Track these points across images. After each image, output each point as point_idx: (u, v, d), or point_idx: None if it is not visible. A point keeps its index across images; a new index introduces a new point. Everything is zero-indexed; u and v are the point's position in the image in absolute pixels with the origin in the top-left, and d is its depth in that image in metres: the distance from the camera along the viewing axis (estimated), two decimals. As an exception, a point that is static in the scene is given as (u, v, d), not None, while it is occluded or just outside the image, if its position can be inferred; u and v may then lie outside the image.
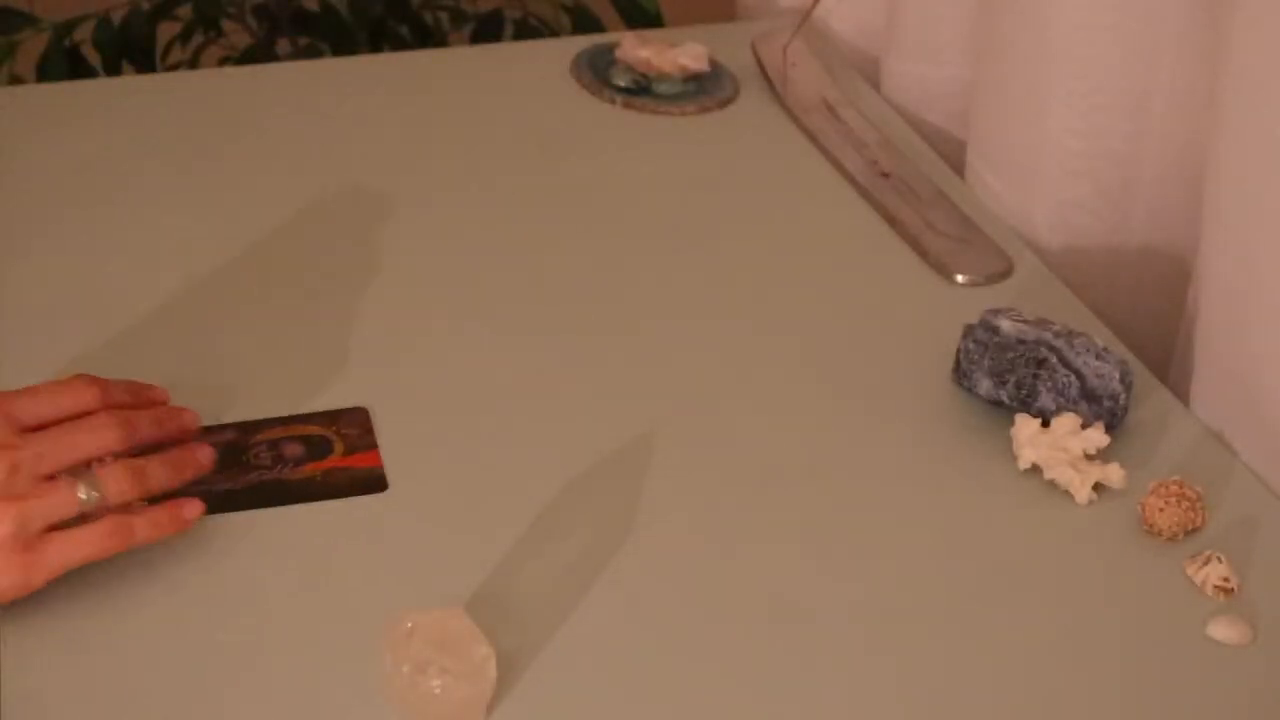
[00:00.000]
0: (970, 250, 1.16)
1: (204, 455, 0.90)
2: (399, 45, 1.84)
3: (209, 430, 0.94)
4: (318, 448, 0.95)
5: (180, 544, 0.88)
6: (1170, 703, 0.83)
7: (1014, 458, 0.96)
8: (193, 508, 0.87)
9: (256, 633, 0.85)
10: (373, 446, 0.96)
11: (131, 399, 0.90)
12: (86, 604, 0.85)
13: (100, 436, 0.85)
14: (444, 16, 1.89)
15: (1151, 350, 1.13)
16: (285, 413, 0.97)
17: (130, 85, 1.53)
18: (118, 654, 0.83)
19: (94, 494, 0.83)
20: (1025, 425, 0.95)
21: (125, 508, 0.85)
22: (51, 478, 0.83)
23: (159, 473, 0.86)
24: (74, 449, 0.84)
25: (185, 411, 0.92)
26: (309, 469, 0.94)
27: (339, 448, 0.95)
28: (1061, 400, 0.97)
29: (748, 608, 0.87)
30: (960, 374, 1.01)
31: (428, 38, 1.87)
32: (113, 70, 1.74)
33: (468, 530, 0.91)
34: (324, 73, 1.47)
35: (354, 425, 0.97)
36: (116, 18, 1.75)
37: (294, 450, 0.95)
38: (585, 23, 1.81)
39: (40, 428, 0.85)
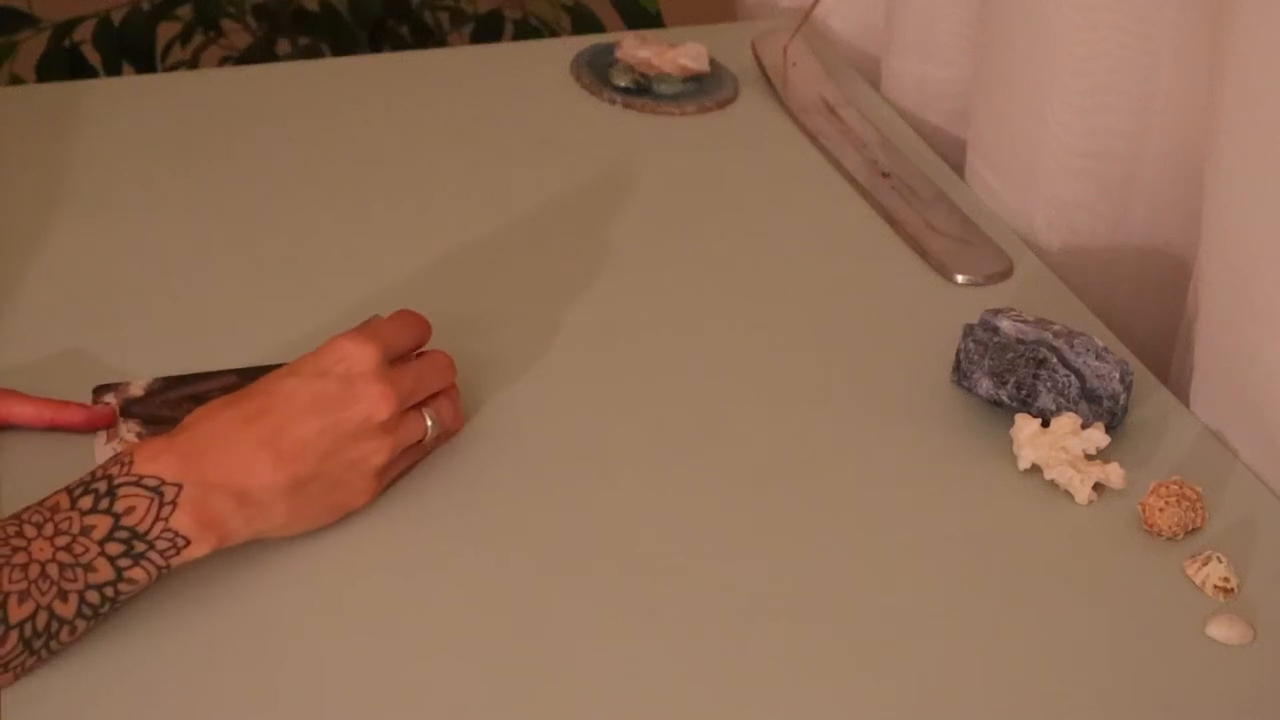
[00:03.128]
0: (970, 250, 1.16)
1: None
2: (399, 45, 1.84)
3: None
4: None
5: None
6: (1170, 703, 0.83)
7: (1014, 458, 0.96)
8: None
9: (258, 631, 0.85)
10: None
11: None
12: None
13: (445, 376, 0.95)
14: (444, 16, 1.90)
15: (1151, 350, 1.13)
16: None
17: (130, 85, 1.53)
18: (116, 651, 0.83)
19: (433, 424, 0.93)
20: (1025, 425, 0.95)
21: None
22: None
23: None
24: (429, 387, 0.94)
25: None
26: None
27: None
28: (1061, 400, 0.97)
29: (747, 607, 0.87)
30: (960, 374, 1.01)
31: (428, 38, 1.87)
32: (113, 70, 1.74)
33: (467, 532, 0.91)
34: (324, 73, 1.47)
35: None
36: (116, 18, 1.75)
37: None
38: (585, 23, 1.81)
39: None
